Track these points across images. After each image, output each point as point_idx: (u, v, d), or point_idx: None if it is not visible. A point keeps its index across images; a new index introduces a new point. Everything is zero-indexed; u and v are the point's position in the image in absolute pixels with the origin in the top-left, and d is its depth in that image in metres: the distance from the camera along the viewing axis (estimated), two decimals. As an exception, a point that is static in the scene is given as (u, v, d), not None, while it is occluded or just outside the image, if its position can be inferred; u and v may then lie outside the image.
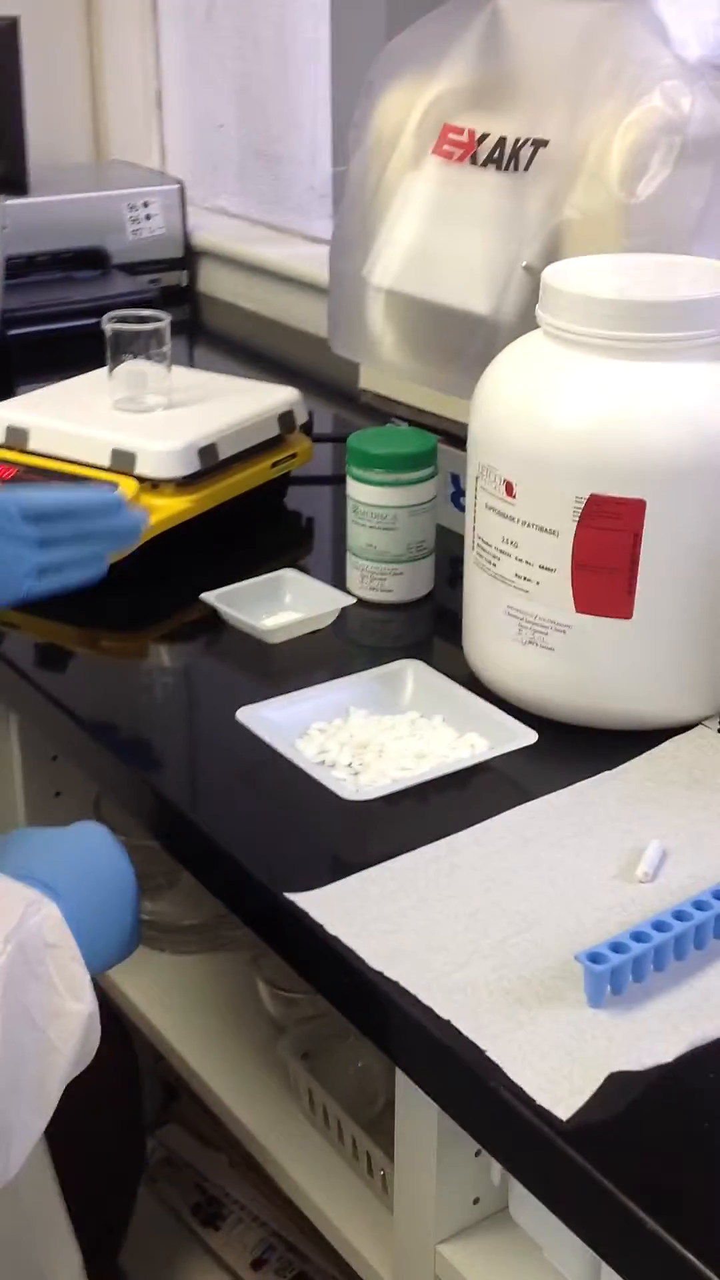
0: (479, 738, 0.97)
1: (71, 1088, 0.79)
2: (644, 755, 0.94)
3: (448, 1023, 0.74)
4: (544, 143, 1.06)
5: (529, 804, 0.91)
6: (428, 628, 1.15)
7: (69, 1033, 0.77)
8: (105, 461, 1.22)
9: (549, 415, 0.91)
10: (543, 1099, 0.70)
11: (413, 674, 1.04)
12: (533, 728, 0.96)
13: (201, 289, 2.08)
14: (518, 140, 1.07)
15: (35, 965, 0.77)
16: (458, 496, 1.21)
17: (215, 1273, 1.35)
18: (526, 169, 1.07)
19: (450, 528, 1.18)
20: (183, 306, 2.02)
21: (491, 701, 0.99)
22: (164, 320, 1.30)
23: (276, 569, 1.19)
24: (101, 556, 1.07)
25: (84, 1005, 0.78)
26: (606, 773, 0.93)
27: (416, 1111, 0.85)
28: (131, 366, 1.29)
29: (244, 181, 2.10)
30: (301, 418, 1.34)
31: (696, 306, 0.90)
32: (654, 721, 0.96)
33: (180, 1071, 1.17)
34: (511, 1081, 0.71)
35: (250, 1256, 1.34)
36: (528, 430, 0.92)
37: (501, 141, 1.09)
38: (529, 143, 1.07)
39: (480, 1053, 0.72)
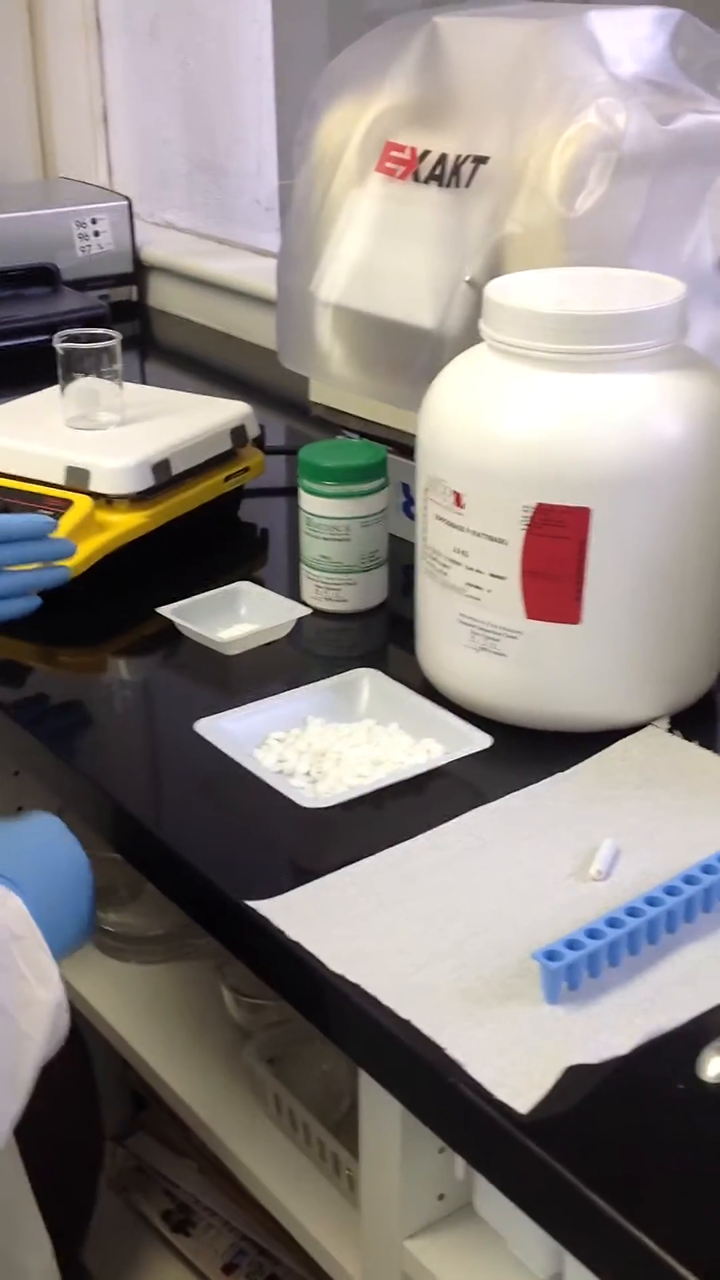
0: (434, 743, 0.99)
1: None
2: (596, 756, 0.96)
3: (408, 1022, 0.76)
4: (484, 159, 1.08)
5: (484, 807, 0.93)
6: (382, 636, 1.17)
7: (39, 1020, 0.80)
8: (60, 479, 1.23)
9: (494, 427, 0.93)
10: (502, 1094, 0.71)
11: (368, 682, 1.06)
12: (487, 732, 0.98)
13: (151, 303, 2.09)
14: (458, 157, 1.10)
15: (3, 957, 0.79)
16: (409, 506, 1.23)
17: (187, 1278, 1.36)
18: (468, 185, 1.09)
19: (403, 537, 1.19)
20: (133, 321, 2.03)
21: (446, 708, 1.01)
22: (115, 338, 1.31)
23: (232, 581, 1.20)
24: (28, 588, 1.08)
25: (52, 993, 0.81)
26: (560, 774, 0.95)
27: (380, 1111, 0.86)
28: (84, 384, 1.30)
29: (191, 196, 2.12)
30: (253, 432, 1.35)
31: (636, 319, 0.92)
32: (605, 723, 0.98)
33: (148, 1080, 1.19)
34: (471, 1078, 0.72)
35: (221, 1261, 1.35)
36: (474, 442, 0.94)
37: (443, 158, 1.11)
38: (469, 159, 1.09)
39: (440, 1051, 0.74)
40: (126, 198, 2.03)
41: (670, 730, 0.99)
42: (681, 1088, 0.72)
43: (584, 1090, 0.72)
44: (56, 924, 0.84)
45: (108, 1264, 1.36)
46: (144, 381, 1.78)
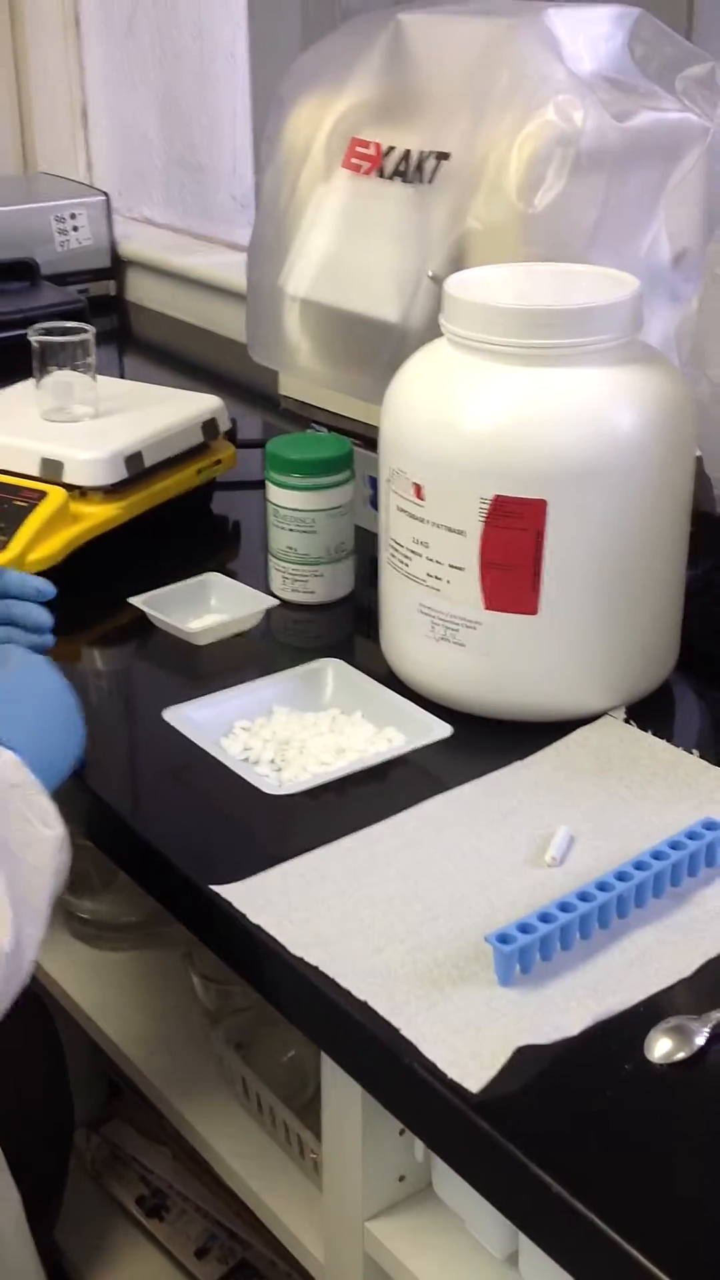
0: (396, 732, 1.00)
1: None
2: (553, 745, 0.98)
3: (364, 1004, 0.77)
4: (446, 155, 1.09)
5: (444, 794, 0.94)
6: (349, 627, 1.19)
7: (46, 855, 0.85)
8: (34, 470, 1.25)
9: (454, 420, 0.95)
10: (454, 1073, 0.73)
11: (333, 672, 1.07)
12: (447, 721, 1.00)
13: (129, 298, 2.11)
14: (422, 153, 1.11)
15: (5, 804, 0.84)
16: (376, 499, 1.24)
17: (160, 1262, 1.37)
18: (430, 181, 1.10)
19: (370, 529, 1.21)
20: (111, 315, 2.05)
21: (408, 697, 1.03)
22: (89, 332, 1.33)
23: (204, 573, 1.22)
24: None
25: (53, 829, 0.86)
26: (518, 763, 0.97)
27: (341, 1093, 0.88)
28: (58, 377, 1.32)
29: (169, 191, 2.13)
30: (225, 425, 1.37)
31: (591, 313, 0.93)
32: (562, 713, 1.00)
33: (119, 1064, 1.20)
34: (424, 1057, 0.74)
35: (194, 1246, 1.37)
36: (434, 435, 0.96)
37: (407, 154, 1.12)
38: (432, 155, 1.10)
39: (395, 1031, 0.76)
40: (105, 193, 2.05)
41: (626, 720, 1.00)
42: (628, 1068, 0.73)
43: (534, 1070, 0.74)
44: (49, 763, 0.90)
45: (82, 1248, 1.38)
46: (122, 375, 1.80)
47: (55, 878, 0.86)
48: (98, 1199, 1.43)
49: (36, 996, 1.26)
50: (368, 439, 1.21)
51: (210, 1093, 1.14)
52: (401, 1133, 0.89)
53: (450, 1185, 0.88)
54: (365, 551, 1.20)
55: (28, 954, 0.82)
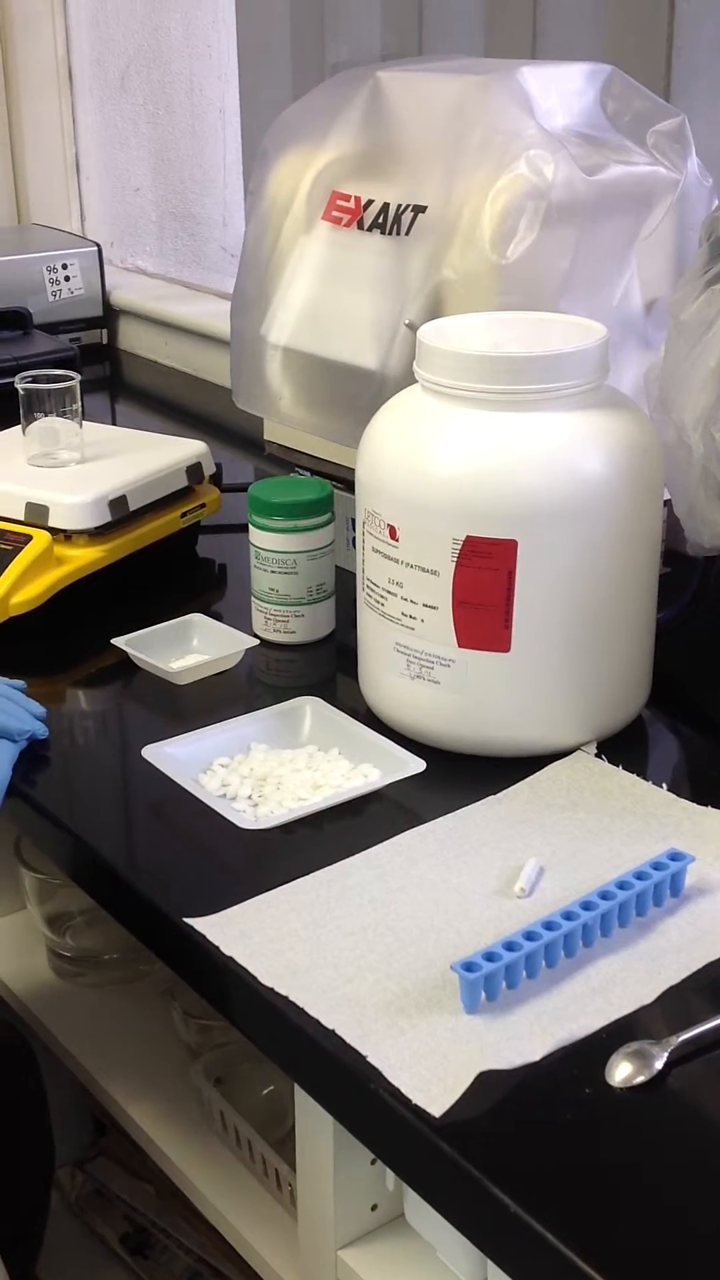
0: (372, 768, 1.02)
1: None
2: (526, 780, 1.00)
3: (332, 1032, 0.79)
4: (423, 208, 1.12)
5: (417, 828, 0.96)
6: (329, 666, 1.21)
7: None
8: (20, 514, 1.27)
9: (426, 464, 0.97)
10: (418, 1098, 0.75)
11: (311, 710, 1.09)
12: (422, 757, 1.02)
13: (121, 346, 2.14)
14: (399, 206, 1.14)
15: None
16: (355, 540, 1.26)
17: (143, 1300, 1.38)
18: (407, 233, 1.13)
19: (352, 570, 1.23)
20: (103, 363, 2.08)
21: (385, 734, 1.05)
22: (74, 380, 1.35)
23: (188, 614, 1.24)
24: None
25: None
26: (491, 797, 0.99)
27: (314, 1123, 0.89)
28: (44, 424, 1.35)
29: (162, 242, 2.17)
30: (210, 469, 1.40)
31: (559, 360, 0.96)
32: (535, 749, 1.02)
33: (99, 1099, 1.22)
34: (389, 1083, 0.76)
35: (177, 1283, 1.38)
36: (408, 478, 0.98)
37: (385, 207, 1.15)
38: (409, 208, 1.13)
39: (362, 1058, 0.77)
40: (97, 244, 2.08)
41: (598, 755, 1.02)
42: (589, 1091, 0.75)
43: (497, 1095, 0.75)
44: None
45: (65, 1286, 1.39)
46: (113, 421, 1.84)
47: None
48: (82, 1236, 1.44)
49: (18, 1032, 1.27)
50: (348, 482, 1.24)
51: (190, 1127, 1.15)
52: (373, 1162, 0.90)
53: (421, 1213, 0.90)
54: (347, 592, 1.22)
55: None
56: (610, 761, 1.02)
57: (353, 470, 1.05)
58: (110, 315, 2.11)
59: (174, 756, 1.04)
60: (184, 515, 1.37)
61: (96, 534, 1.27)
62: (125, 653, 1.18)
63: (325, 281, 1.21)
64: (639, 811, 0.97)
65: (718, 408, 0.98)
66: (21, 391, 1.34)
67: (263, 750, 1.06)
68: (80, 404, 1.36)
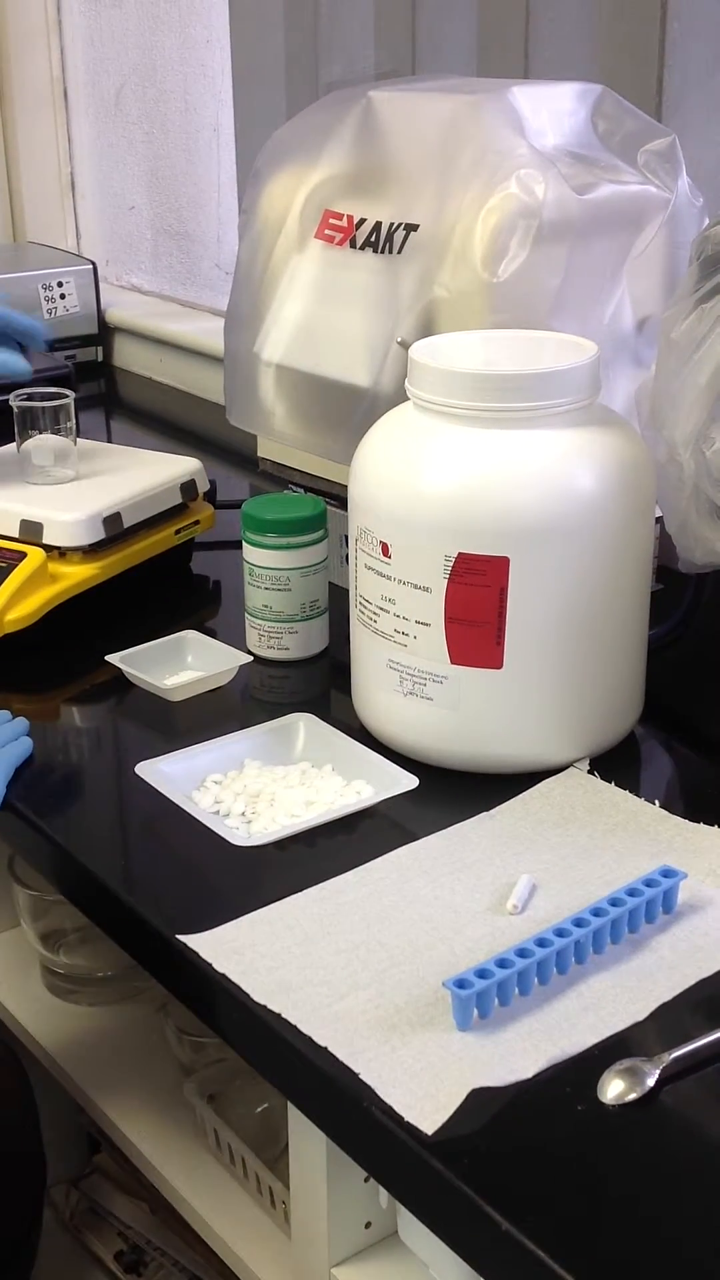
0: (365, 785, 1.02)
1: None
2: (518, 797, 1.00)
3: (324, 1049, 0.79)
4: (414, 227, 1.13)
5: (410, 845, 0.96)
6: (323, 682, 1.21)
7: None
8: (14, 532, 1.28)
9: (418, 481, 0.98)
10: (410, 1115, 0.75)
11: (304, 726, 1.09)
12: (415, 774, 1.02)
13: (116, 363, 2.15)
14: (391, 224, 1.15)
15: None
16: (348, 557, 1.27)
17: (137, 1318, 1.38)
18: (399, 251, 1.14)
19: (345, 586, 1.23)
20: (98, 380, 2.09)
21: (378, 750, 1.05)
22: (69, 397, 1.36)
23: (182, 630, 1.24)
24: None
25: None
26: (484, 814, 0.99)
27: (307, 1140, 0.89)
28: (39, 441, 1.35)
29: (157, 260, 2.18)
30: (203, 486, 1.40)
31: (550, 377, 0.96)
32: (527, 765, 1.02)
33: (94, 1116, 1.21)
34: (381, 1100, 0.75)
35: (171, 1301, 1.37)
36: (399, 495, 0.98)
37: (377, 226, 1.16)
38: (401, 227, 1.14)
39: (354, 1075, 0.77)
40: (92, 262, 2.09)
41: (590, 771, 1.02)
42: (581, 1108, 0.75)
43: (489, 1112, 0.75)
44: None
45: (59, 1305, 1.38)
46: (108, 438, 1.84)
47: None
48: (77, 1255, 1.44)
49: (10, 1049, 1.27)
50: (341, 499, 1.24)
51: (184, 1145, 1.15)
52: (367, 1180, 0.90)
53: (415, 1231, 0.90)
54: (340, 608, 1.23)
55: None
56: (603, 778, 1.02)
57: (345, 487, 1.05)
58: (105, 332, 2.12)
59: (167, 773, 1.04)
60: (178, 532, 1.37)
61: (90, 551, 1.28)
62: (119, 669, 1.19)
63: (318, 299, 1.22)
64: (631, 828, 0.97)
65: (709, 425, 0.98)
66: (16, 409, 1.34)
67: (256, 767, 1.06)
68: (75, 421, 1.36)
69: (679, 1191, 0.70)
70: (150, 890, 0.95)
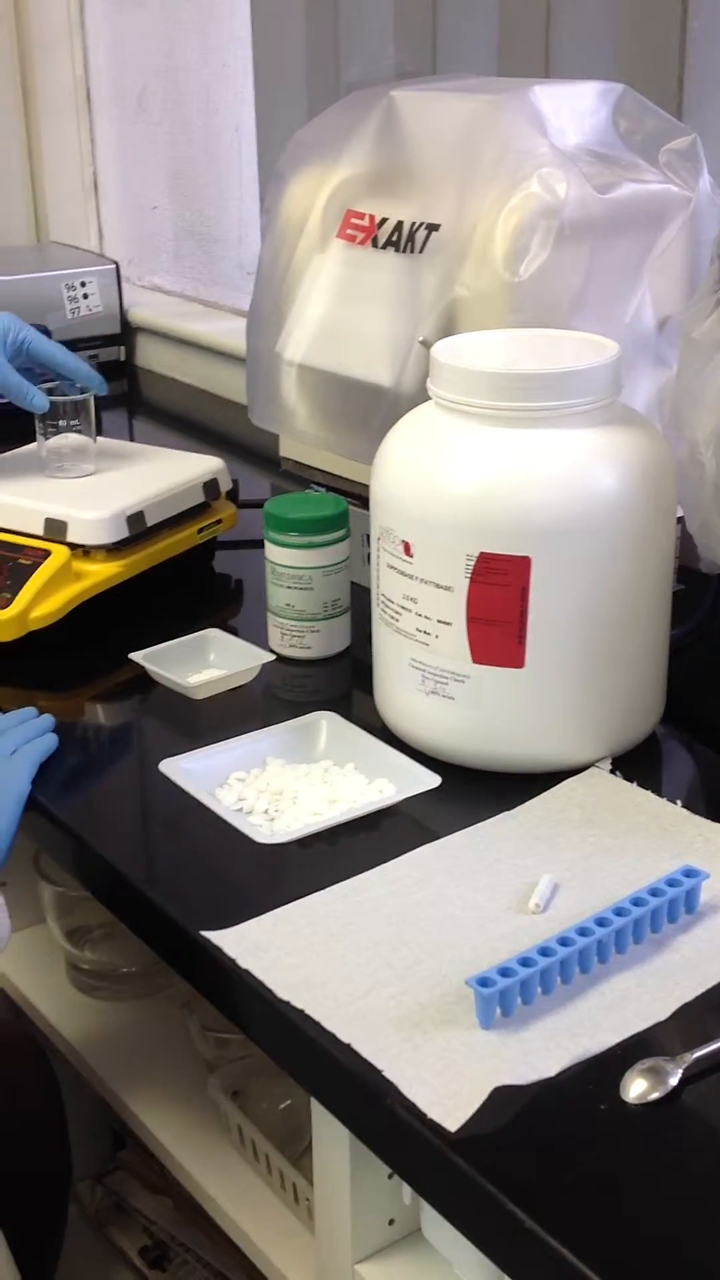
0: (387, 783, 1.03)
1: None
2: (540, 796, 1.00)
3: (348, 1046, 0.79)
4: (436, 226, 1.13)
5: (432, 844, 0.96)
6: (345, 681, 1.21)
7: None
8: (39, 530, 1.28)
9: (439, 480, 0.98)
10: (434, 1112, 0.75)
11: (326, 725, 1.10)
12: (437, 773, 1.02)
13: (138, 363, 2.16)
14: (413, 224, 1.15)
15: None
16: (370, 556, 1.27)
17: (162, 1313, 1.39)
18: (421, 251, 1.14)
19: (367, 585, 1.24)
20: (121, 380, 2.09)
21: (400, 749, 1.05)
22: (90, 394, 1.36)
23: (205, 629, 1.25)
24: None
25: None
26: (505, 813, 0.99)
27: (331, 1137, 0.90)
28: (61, 439, 1.36)
29: (179, 260, 2.18)
30: (226, 485, 1.40)
31: (571, 377, 0.97)
32: (549, 764, 1.02)
33: (119, 1112, 1.22)
34: (405, 1097, 0.76)
35: (195, 1296, 1.38)
36: (421, 495, 0.99)
37: (399, 225, 1.16)
38: (423, 226, 1.14)
39: (378, 1073, 0.78)
40: (115, 262, 2.10)
41: (612, 771, 1.03)
42: (604, 1107, 0.75)
43: (511, 1110, 0.75)
44: None
45: (84, 1300, 1.39)
46: (131, 437, 1.85)
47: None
48: (102, 1249, 1.44)
49: (37, 1045, 1.28)
50: (363, 498, 1.25)
51: (208, 1140, 1.15)
52: (390, 1176, 0.90)
53: (438, 1228, 0.90)
54: (362, 607, 1.23)
55: None
56: (625, 778, 1.02)
57: (367, 486, 1.06)
58: (128, 332, 2.13)
59: (191, 771, 1.05)
60: (201, 531, 1.38)
61: (114, 549, 1.28)
62: (143, 667, 1.19)
63: (340, 299, 1.22)
64: (653, 828, 0.97)
65: (730, 424, 0.98)
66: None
67: (279, 765, 1.06)
68: (98, 418, 1.37)
69: (702, 1190, 0.70)
70: (174, 886, 0.96)
